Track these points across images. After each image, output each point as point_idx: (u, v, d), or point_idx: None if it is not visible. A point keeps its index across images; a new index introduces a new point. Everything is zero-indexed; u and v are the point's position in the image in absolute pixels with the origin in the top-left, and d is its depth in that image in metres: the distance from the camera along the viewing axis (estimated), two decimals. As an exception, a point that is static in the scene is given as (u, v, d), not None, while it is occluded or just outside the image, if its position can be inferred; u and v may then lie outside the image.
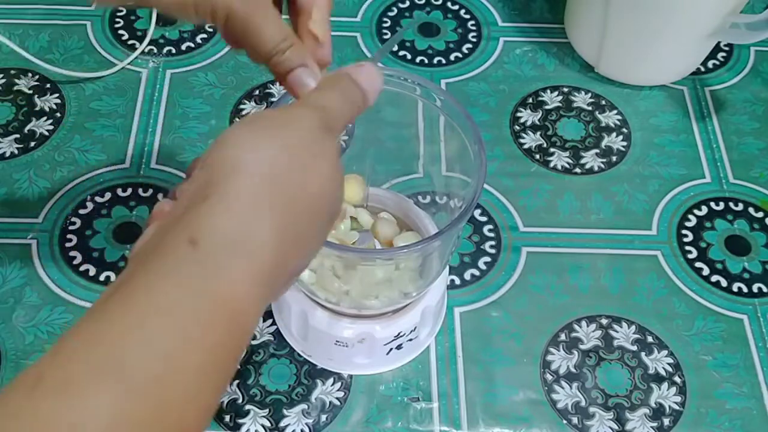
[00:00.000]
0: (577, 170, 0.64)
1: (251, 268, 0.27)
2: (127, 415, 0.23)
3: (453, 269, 0.58)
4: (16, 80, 0.67)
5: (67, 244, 0.58)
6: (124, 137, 0.64)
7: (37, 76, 0.67)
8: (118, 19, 0.72)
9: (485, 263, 0.58)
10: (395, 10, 0.74)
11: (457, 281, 0.57)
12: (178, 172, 0.62)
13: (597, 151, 0.65)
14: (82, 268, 0.57)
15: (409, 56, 0.71)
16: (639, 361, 0.54)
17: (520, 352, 0.54)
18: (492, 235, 0.60)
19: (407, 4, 0.75)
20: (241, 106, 0.66)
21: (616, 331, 0.55)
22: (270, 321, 0.55)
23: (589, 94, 0.69)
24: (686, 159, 0.65)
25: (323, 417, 0.51)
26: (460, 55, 0.71)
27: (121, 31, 0.71)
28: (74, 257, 0.57)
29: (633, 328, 0.56)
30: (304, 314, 0.51)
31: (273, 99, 0.67)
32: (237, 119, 0.66)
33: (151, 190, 0.61)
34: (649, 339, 0.55)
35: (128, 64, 0.68)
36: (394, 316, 0.51)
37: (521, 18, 0.74)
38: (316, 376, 0.53)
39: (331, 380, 0.53)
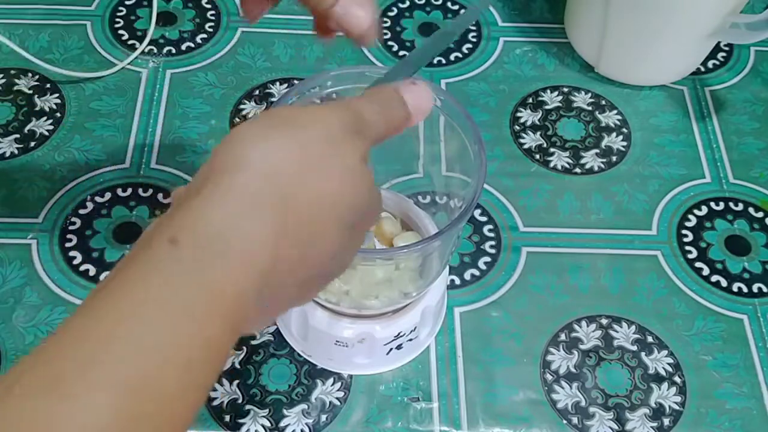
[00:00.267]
0: (577, 170, 0.64)
1: (242, 265, 0.26)
2: (119, 411, 0.22)
3: (453, 269, 0.58)
4: (16, 80, 0.67)
5: (67, 244, 0.58)
6: (124, 137, 0.64)
7: (37, 76, 0.67)
8: (118, 19, 0.72)
9: (485, 263, 0.58)
10: (395, 10, 0.74)
11: (457, 281, 0.57)
12: (178, 172, 0.62)
13: (597, 151, 0.65)
14: (82, 268, 0.57)
15: (409, 56, 0.71)
16: (639, 361, 0.54)
17: (520, 352, 0.54)
18: (492, 235, 0.60)
19: (407, 4, 0.75)
20: (241, 106, 0.66)
21: (616, 331, 0.55)
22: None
23: (589, 94, 0.69)
24: (686, 159, 0.65)
25: (323, 417, 0.51)
26: (460, 55, 0.71)
27: (121, 31, 0.71)
28: (74, 257, 0.57)
29: (633, 328, 0.56)
30: (304, 314, 0.51)
31: (273, 99, 0.67)
32: (237, 119, 0.66)
33: (151, 190, 0.61)
34: (649, 339, 0.55)
35: (128, 64, 0.68)
36: (394, 316, 0.51)
37: (521, 18, 0.74)
38: (316, 376, 0.53)
39: (331, 380, 0.53)
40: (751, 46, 0.73)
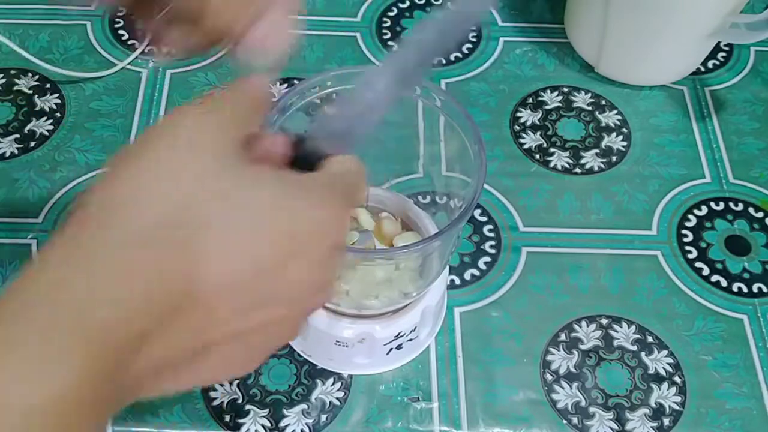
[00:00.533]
0: (577, 170, 0.64)
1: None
2: None
3: (453, 269, 0.58)
4: (16, 80, 0.67)
5: (67, 244, 0.58)
6: (124, 137, 0.64)
7: (37, 76, 0.67)
8: (118, 19, 0.72)
9: (485, 263, 0.58)
10: (395, 10, 0.74)
11: (457, 281, 0.57)
12: (178, 172, 0.62)
13: (597, 151, 0.65)
14: (82, 268, 0.57)
15: (409, 56, 0.71)
16: (639, 361, 0.54)
17: (520, 352, 0.54)
18: (492, 235, 0.60)
19: (407, 4, 0.75)
20: (241, 106, 0.66)
21: (616, 331, 0.55)
22: (270, 321, 0.55)
23: (589, 94, 0.69)
24: (686, 159, 0.65)
25: (323, 417, 0.51)
26: (460, 55, 0.71)
27: (121, 31, 0.71)
28: (74, 257, 0.57)
29: (633, 328, 0.56)
30: (304, 314, 0.51)
31: (273, 99, 0.67)
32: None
33: (151, 190, 0.61)
34: (649, 339, 0.55)
35: (128, 64, 0.68)
36: (394, 316, 0.51)
37: (521, 18, 0.74)
38: (316, 376, 0.53)
39: (331, 380, 0.53)
40: (751, 46, 0.73)
